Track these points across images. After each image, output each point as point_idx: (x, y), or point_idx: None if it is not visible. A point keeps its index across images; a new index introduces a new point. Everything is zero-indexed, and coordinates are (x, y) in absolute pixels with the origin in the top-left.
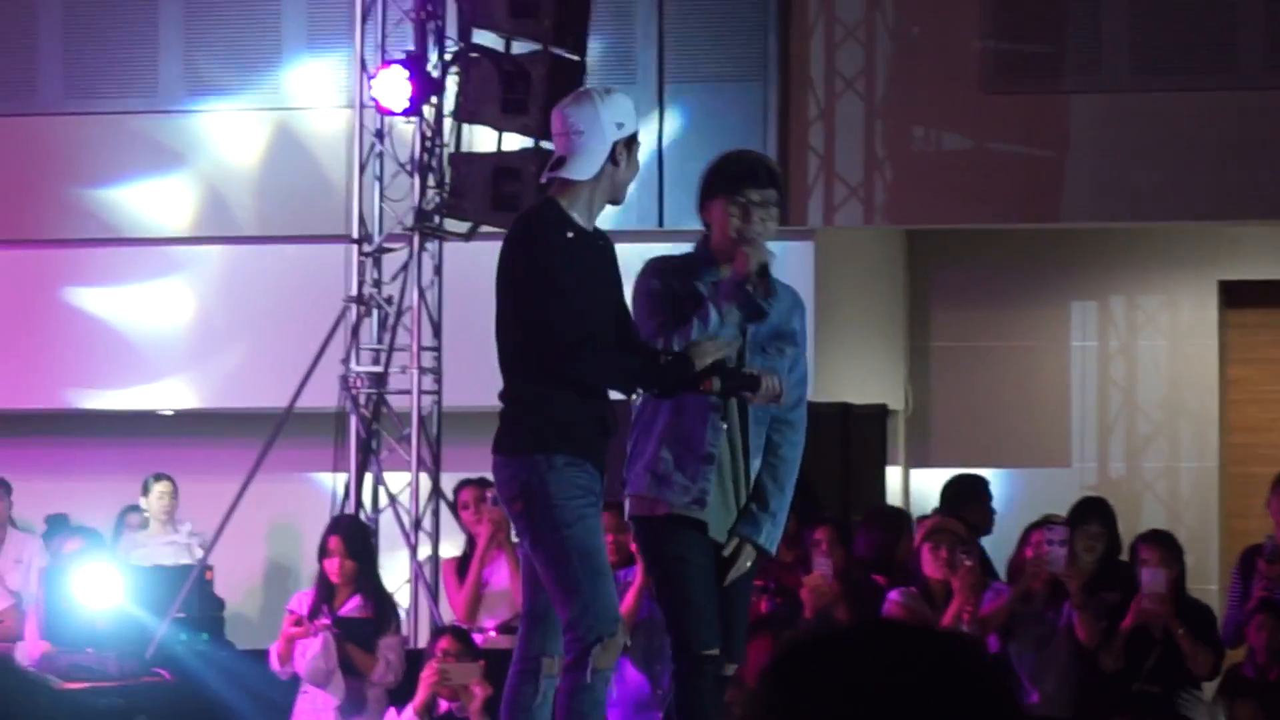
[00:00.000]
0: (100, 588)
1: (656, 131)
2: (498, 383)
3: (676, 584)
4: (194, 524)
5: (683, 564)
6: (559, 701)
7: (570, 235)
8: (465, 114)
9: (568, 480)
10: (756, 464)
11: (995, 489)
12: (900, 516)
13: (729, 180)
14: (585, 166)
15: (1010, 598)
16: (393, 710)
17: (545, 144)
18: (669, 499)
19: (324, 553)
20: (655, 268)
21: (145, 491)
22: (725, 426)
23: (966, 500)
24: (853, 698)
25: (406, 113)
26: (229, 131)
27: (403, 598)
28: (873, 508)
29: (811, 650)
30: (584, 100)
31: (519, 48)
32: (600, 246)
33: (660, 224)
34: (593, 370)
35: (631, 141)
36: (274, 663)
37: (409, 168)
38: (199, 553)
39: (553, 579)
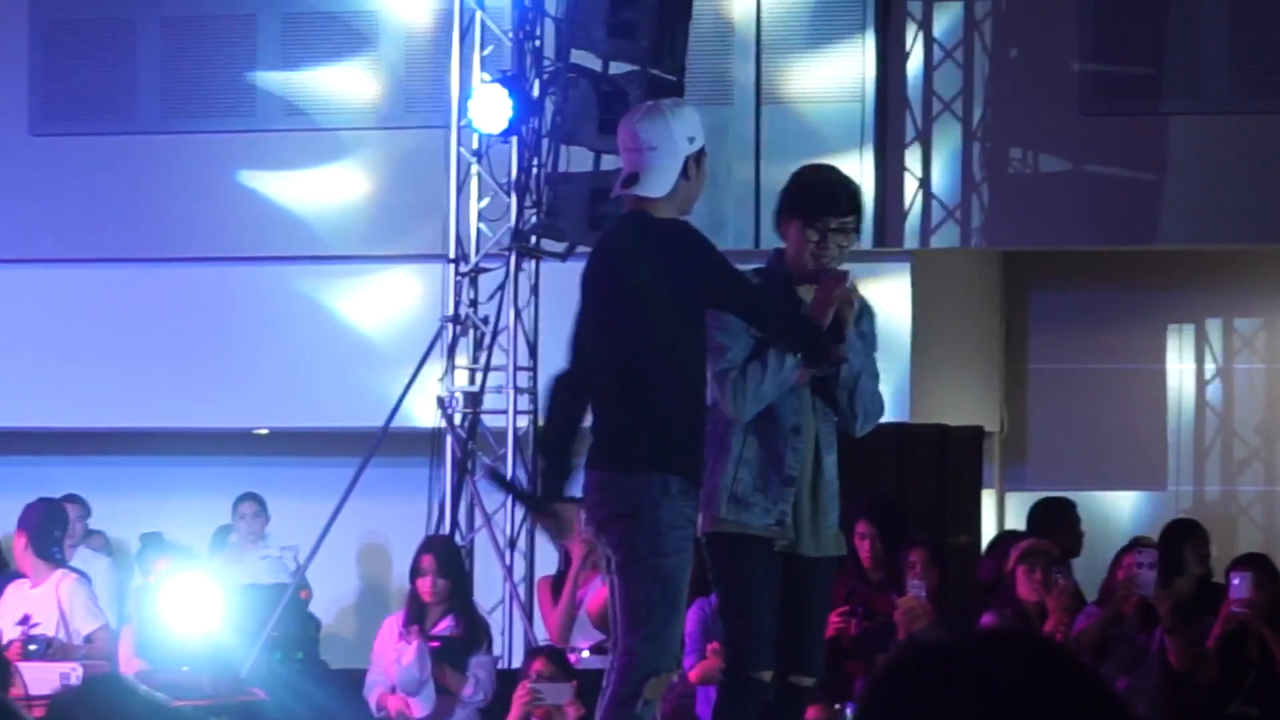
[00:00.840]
0: (196, 606)
1: (754, 151)
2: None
3: (740, 601)
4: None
5: (748, 583)
6: None
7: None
8: (563, 134)
9: (677, 508)
10: (830, 477)
11: (1091, 512)
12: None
13: (810, 206)
14: (661, 182)
15: (1100, 619)
16: None
17: None
18: (749, 522)
19: (417, 572)
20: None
21: (234, 511)
22: (802, 446)
23: (1054, 523)
24: (964, 706)
25: (504, 133)
26: (327, 151)
27: (498, 618)
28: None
29: (923, 659)
30: (655, 115)
31: (616, 68)
32: None
33: (756, 245)
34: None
35: (701, 155)
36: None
37: (506, 188)
38: (292, 567)
39: (628, 603)
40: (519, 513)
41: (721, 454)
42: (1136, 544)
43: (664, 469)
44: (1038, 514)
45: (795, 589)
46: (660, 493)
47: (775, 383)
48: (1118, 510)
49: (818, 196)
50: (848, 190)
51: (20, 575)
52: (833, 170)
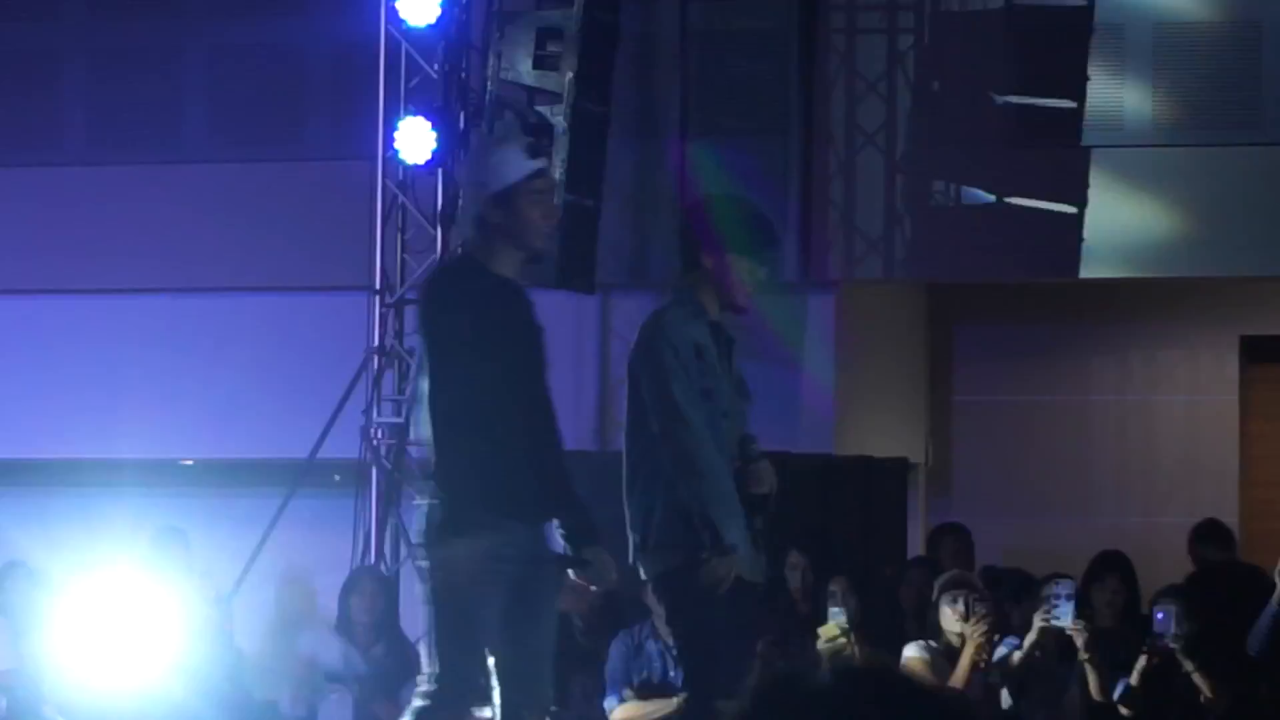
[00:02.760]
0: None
1: (678, 183)
2: None
3: (704, 634)
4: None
5: (715, 613)
6: None
7: (488, 287)
8: None
9: (467, 545)
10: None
11: (1015, 542)
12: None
13: (759, 244)
14: (463, 223)
15: (1021, 650)
16: None
17: (568, 196)
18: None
19: (346, 603)
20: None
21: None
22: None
23: (948, 547)
24: None
25: (429, 165)
26: (253, 182)
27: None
28: (915, 558)
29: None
30: (470, 155)
31: (542, 99)
32: (521, 296)
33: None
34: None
35: (507, 195)
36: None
37: (431, 219)
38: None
39: (429, 632)
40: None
41: (656, 487)
42: (1054, 576)
43: (461, 504)
44: (933, 539)
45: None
46: (452, 533)
47: (710, 473)
48: (1041, 540)
49: (766, 236)
50: (775, 229)
51: None
52: (764, 212)
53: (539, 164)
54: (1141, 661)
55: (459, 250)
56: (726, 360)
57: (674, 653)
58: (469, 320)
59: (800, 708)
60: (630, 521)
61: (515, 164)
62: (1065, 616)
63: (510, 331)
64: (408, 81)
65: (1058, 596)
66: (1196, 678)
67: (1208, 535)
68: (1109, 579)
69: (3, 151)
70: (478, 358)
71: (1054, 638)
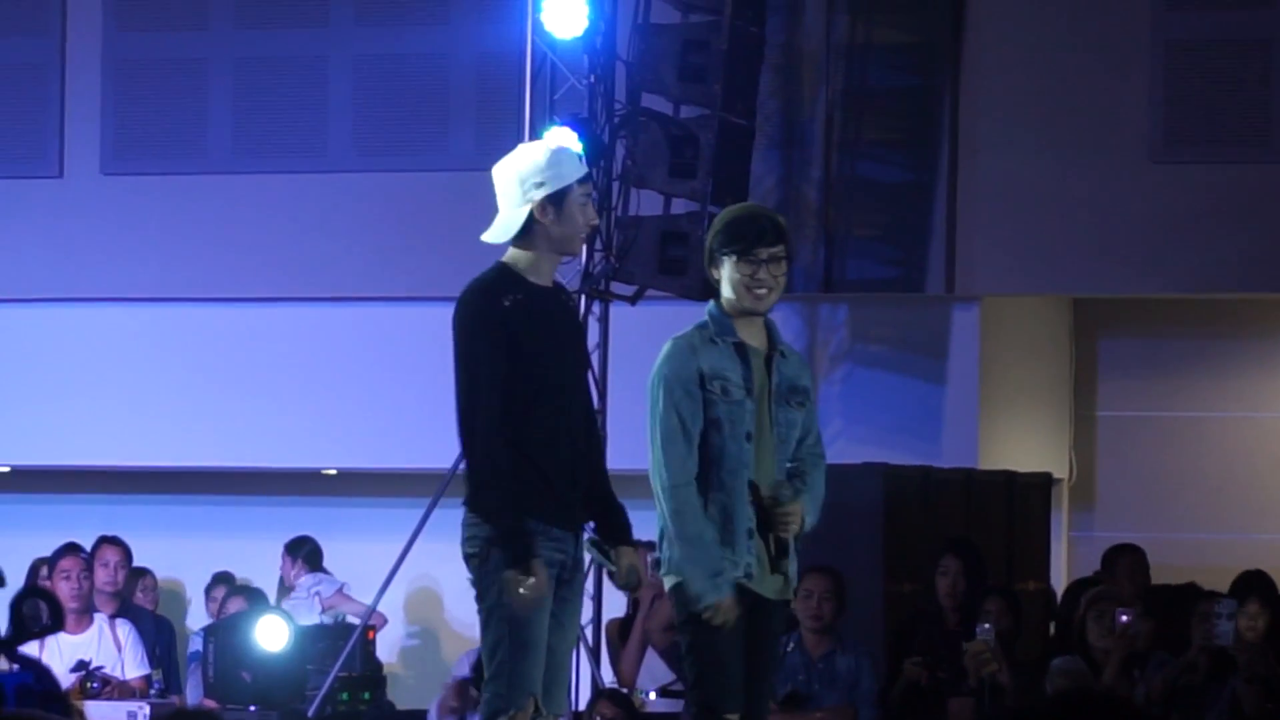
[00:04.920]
0: (269, 646)
1: (823, 193)
2: None
3: (711, 645)
4: (353, 584)
5: (720, 627)
6: None
7: (518, 297)
8: (633, 178)
9: None
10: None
11: (1157, 557)
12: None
13: (742, 240)
14: (502, 229)
15: (1175, 668)
16: None
17: (713, 208)
18: None
19: None
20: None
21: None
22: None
23: (1126, 569)
24: None
25: None
26: (397, 193)
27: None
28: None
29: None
30: (503, 162)
31: (687, 112)
32: (561, 303)
33: (827, 288)
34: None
35: (561, 197)
36: (435, 714)
37: None
38: (319, 607)
39: (482, 641)
40: (585, 556)
41: None
42: (1212, 595)
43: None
44: (1108, 559)
45: (751, 632)
46: None
47: (684, 538)
48: (1185, 557)
49: (748, 230)
50: (773, 221)
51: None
52: (755, 205)
53: (586, 169)
54: None
55: (497, 263)
56: (766, 375)
57: (817, 667)
58: (493, 340)
59: None
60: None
61: (570, 164)
62: (1226, 636)
63: (538, 342)
64: (553, 93)
65: (1219, 616)
66: None
67: None
68: (1250, 601)
69: (151, 159)
70: (501, 373)
71: (1210, 657)
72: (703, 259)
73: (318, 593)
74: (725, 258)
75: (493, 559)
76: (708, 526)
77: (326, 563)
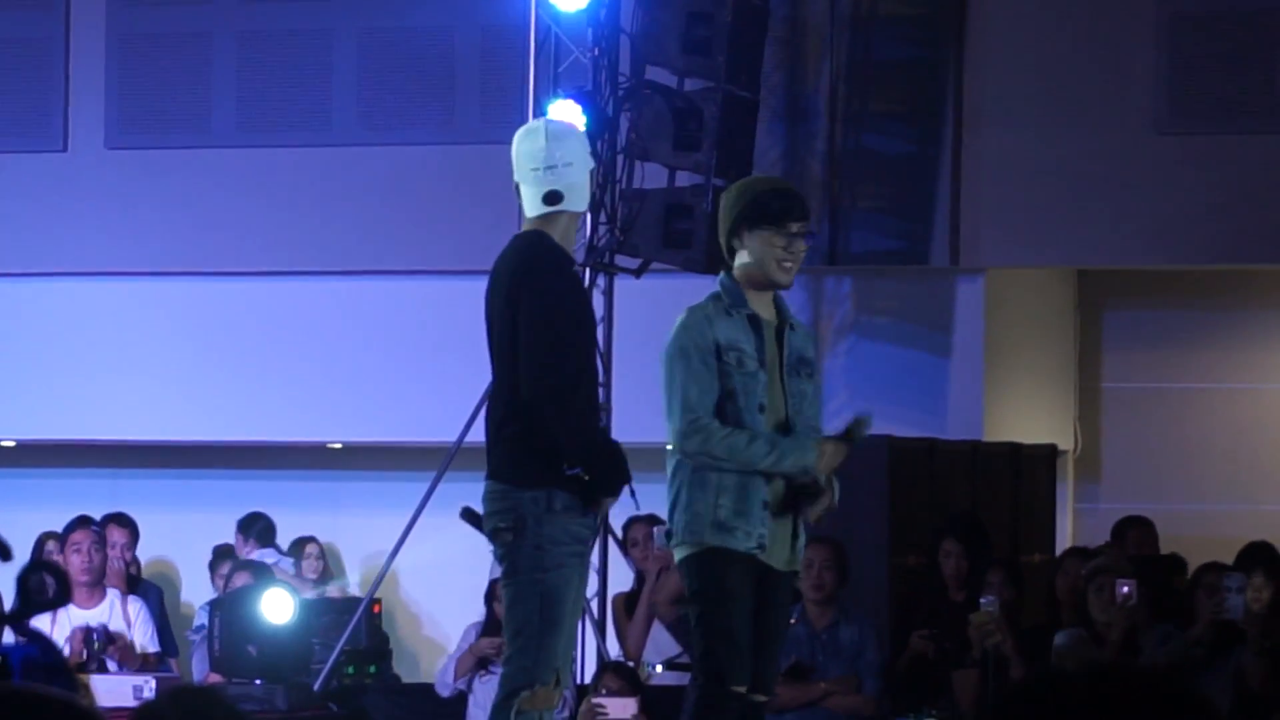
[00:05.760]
0: (275, 616)
1: (828, 166)
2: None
3: (721, 617)
4: (360, 557)
5: (730, 598)
6: None
7: (573, 265)
8: (637, 151)
9: (561, 524)
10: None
11: (1163, 528)
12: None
13: (775, 214)
14: (582, 199)
15: (1183, 640)
16: None
17: (717, 181)
18: (733, 545)
19: (494, 594)
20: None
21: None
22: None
23: (1135, 541)
24: None
25: None
26: (402, 167)
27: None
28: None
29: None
30: (569, 133)
31: (691, 85)
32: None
33: (832, 260)
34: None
35: (593, 174)
36: (449, 674)
37: None
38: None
39: (510, 615)
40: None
41: (701, 484)
42: (1220, 568)
43: (549, 484)
44: (1118, 530)
45: (761, 605)
46: (544, 508)
47: (734, 459)
48: (1190, 528)
49: (780, 204)
50: (799, 196)
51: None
52: (778, 179)
53: None
54: None
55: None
56: (777, 347)
57: (821, 638)
58: (574, 301)
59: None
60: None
61: (586, 142)
62: (1236, 610)
63: (587, 313)
64: (557, 66)
65: (1228, 589)
66: None
67: None
68: (1256, 573)
69: (155, 134)
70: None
71: (1218, 630)
72: (714, 230)
73: (286, 562)
74: (754, 230)
75: (528, 534)
76: (742, 433)
77: (337, 535)
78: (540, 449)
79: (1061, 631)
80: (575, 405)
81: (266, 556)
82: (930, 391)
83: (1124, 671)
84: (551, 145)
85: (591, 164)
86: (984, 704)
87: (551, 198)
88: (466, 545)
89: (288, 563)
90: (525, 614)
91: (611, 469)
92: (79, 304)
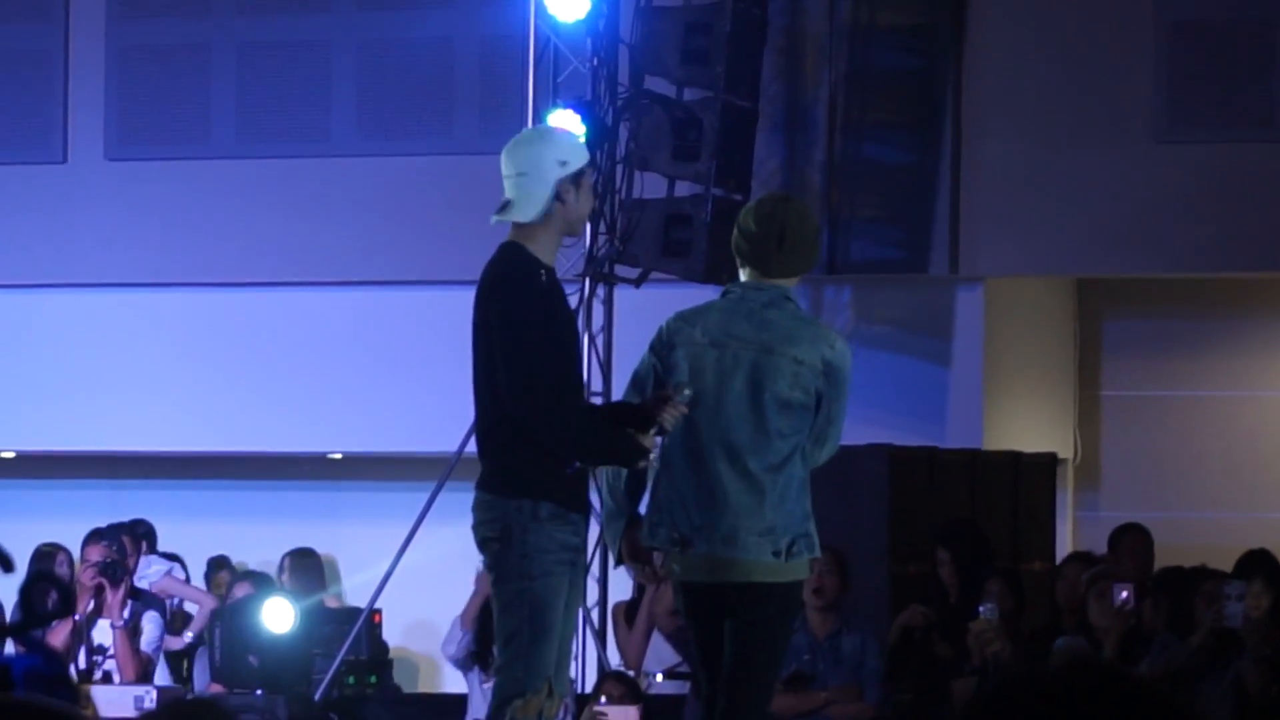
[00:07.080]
0: (276, 626)
1: (827, 175)
2: None
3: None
4: (358, 567)
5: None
6: None
7: (543, 276)
8: (637, 160)
9: (547, 533)
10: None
11: (1162, 537)
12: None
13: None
14: (529, 208)
15: (1185, 650)
16: None
17: (716, 191)
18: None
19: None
20: None
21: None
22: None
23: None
24: None
25: None
26: (401, 177)
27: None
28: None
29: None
30: (527, 141)
31: (691, 94)
32: (560, 284)
33: (831, 270)
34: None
35: (578, 177)
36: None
37: None
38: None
39: (499, 624)
40: (591, 537)
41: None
42: (1221, 575)
43: (535, 494)
44: (1114, 538)
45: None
46: (530, 517)
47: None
48: (1190, 537)
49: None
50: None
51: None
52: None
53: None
54: None
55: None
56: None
57: (822, 647)
58: (538, 310)
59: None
60: None
61: (582, 146)
62: (1236, 618)
63: (561, 324)
64: (556, 76)
65: (1228, 597)
66: None
67: None
68: (1255, 580)
69: (155, 145)
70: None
71: (1216, 638)
72: (713, 239)
73: (144, 576)
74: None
75: (515, 543)
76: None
77: (337, 545)
78: (526, 459)
79: (1061, 638)
80: (563, 408)
81: (148, 564)
82: (930, 400)
83: (1083, 671)
84: (510, 153)
85: (563, 172)
86: None
87: (501, 207)
88: (466, 556)
89: (163, 567)
90: (515, 623)
91: (623, 436)
92: (79, 315)
